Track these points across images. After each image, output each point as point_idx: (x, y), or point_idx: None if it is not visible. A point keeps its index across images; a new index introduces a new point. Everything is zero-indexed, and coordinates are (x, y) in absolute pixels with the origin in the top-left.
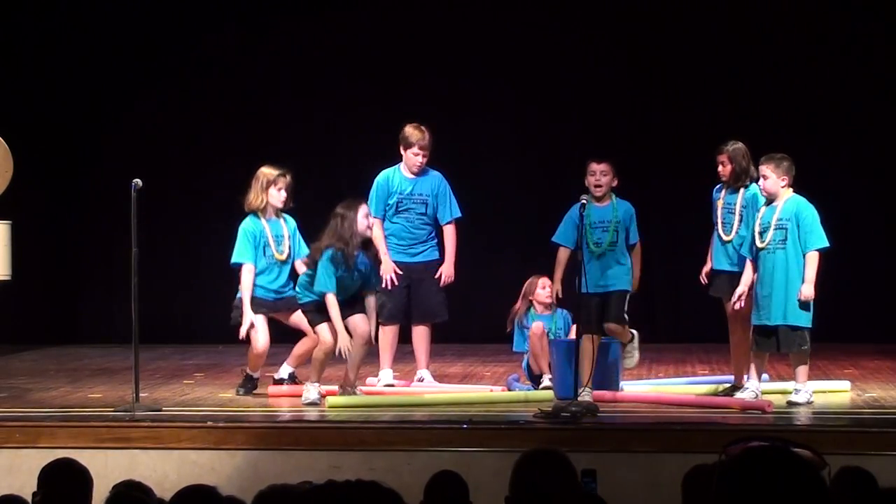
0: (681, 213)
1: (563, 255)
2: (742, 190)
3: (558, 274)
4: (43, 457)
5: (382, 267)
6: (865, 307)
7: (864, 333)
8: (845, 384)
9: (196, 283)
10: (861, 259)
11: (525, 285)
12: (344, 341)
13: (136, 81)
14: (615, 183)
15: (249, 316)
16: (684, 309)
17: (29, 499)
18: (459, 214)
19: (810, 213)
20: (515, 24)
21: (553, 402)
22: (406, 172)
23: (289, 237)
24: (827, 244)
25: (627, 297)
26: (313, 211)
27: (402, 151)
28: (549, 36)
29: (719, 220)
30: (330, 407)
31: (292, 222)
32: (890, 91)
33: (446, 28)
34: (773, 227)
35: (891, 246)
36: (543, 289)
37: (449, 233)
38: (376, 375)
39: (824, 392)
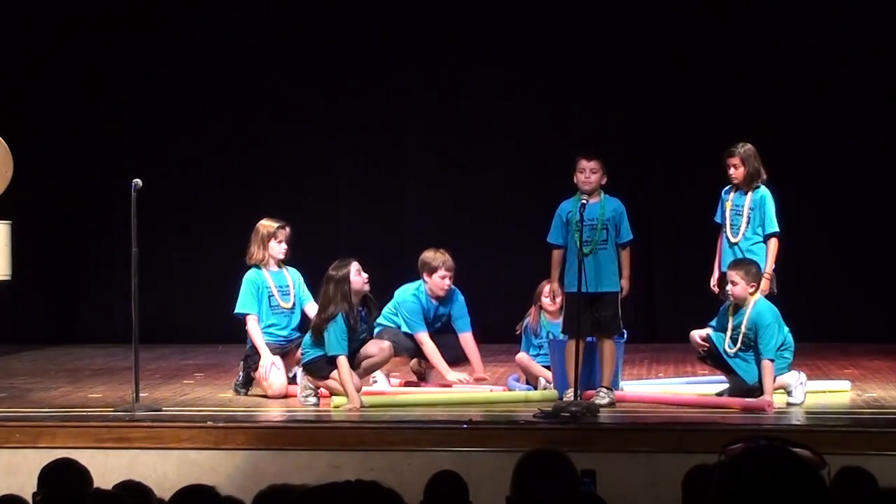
0: (681, 213)
1: (557, 254)
2: (751, 193)
3: (555, 274)
4: (43, 457)
5: (449, 376)
6: (865, 307)
7: (864, 333)
8: (845, 384)
9: (196, 283)
10: (861, 259)
11: (536, 290)
12: (355, 403)
13: (136, 81)
14: (604, 181)
15: (269, 357)
16: (684, 309)
17: (29, 499)
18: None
19: (768, 323)
20: (515, 23)
21: (553, 402)
22: (432, 299)
23: (293, 286)
24: (772, 356)
25: (619, 301)
26: (312, 190)
27: (427, 277)
28: (550, 34)
29: (727, 222)
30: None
31: (296, 273)
32: (891, 91)
33: (446, 27)
34: (740, 338)
35: (891, 246)
36: (548, 297)
37: (468, 341)
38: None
39: (824, 392)
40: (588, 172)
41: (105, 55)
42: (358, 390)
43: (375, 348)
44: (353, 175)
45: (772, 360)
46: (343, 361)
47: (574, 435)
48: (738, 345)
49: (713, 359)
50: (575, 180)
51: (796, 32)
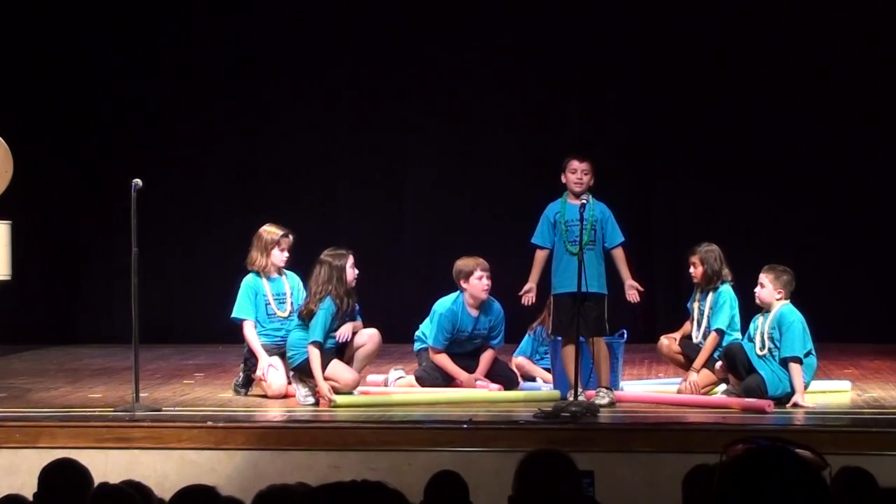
0: (680, 213)
1: (540, 255)
2: (711, 293)
3: (535, 274)
4: (43, 457)
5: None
6: (865, 307)
7: (864, 333)
8: (845, 384)
9: (196, 284)
10: (861, 259)
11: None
12: (324, 393)
13: (135, 80)
14: (592, 182)
15: (266, 359)
16: (684, 309)
17: (30, 499)
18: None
19: (790, 321)
20: (516, 22)
21: (553, 402)
22: (470, 309)
23: (291, 294)
24: (800, 355)
25: (606, 303)
26: (311, 188)
27: (464, 284)
28: (550, 34)
29: (694, 321)
30: (331, 406)
31: (295, 278)
32: (891, 92)
33: (447, 25)
34: (766, 340)
35: (891, 246)
36: None
37: (488, 354)
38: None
39: (824, 392)
40: (580, 173)
41: (104, 55)
42: (356, 385)
43: (364, 337)
44: (352, 173)
45: (799, 361)
46: (315, 351)
47: (574, 435)
48: (766, 347)
49: (731, 363)
50: (564, 180)
51: (800, 30)
